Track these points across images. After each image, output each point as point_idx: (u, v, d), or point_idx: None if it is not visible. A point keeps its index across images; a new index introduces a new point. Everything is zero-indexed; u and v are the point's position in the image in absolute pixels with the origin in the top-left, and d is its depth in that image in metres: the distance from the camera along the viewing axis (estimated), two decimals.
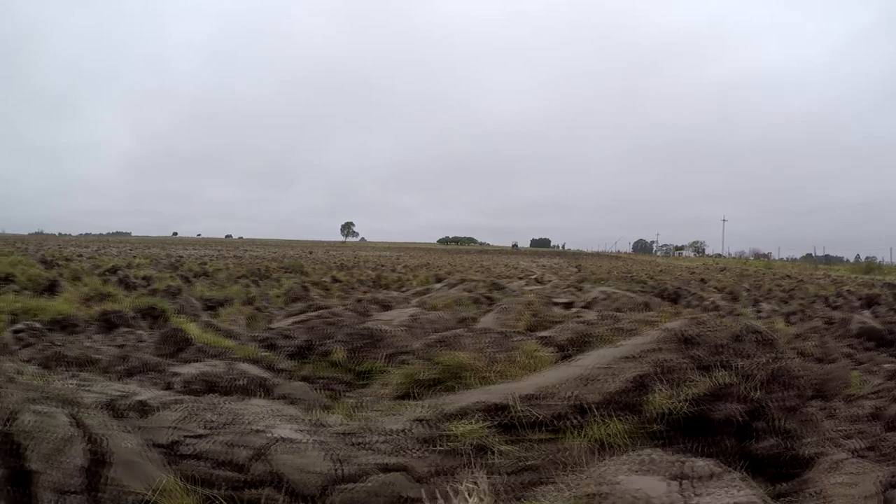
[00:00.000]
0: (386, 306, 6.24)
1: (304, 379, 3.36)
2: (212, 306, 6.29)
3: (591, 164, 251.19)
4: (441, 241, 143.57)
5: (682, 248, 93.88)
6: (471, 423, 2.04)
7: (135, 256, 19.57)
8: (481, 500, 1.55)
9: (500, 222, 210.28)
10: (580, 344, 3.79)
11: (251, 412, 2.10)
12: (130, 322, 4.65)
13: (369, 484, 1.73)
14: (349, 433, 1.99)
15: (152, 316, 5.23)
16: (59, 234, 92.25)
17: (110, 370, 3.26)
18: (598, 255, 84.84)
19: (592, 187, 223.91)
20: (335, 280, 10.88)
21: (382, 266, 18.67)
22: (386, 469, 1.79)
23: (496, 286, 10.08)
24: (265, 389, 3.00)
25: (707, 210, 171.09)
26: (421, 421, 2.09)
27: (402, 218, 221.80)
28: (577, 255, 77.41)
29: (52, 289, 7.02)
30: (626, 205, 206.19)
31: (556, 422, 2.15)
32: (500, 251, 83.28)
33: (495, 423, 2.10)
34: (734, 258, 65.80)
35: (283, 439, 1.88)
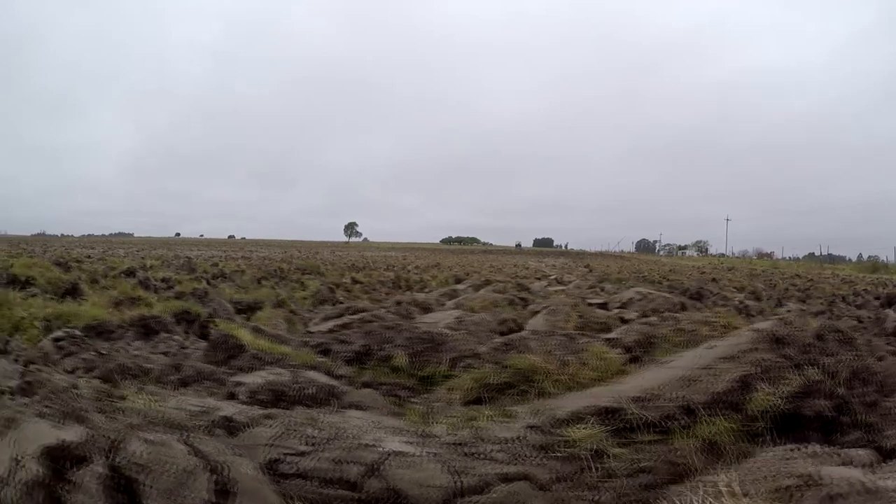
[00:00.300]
0: (426, 308, 6.15)
1: (365, 385, 3.26)
2: (242, 309, 6.19)
3: (592, 164, 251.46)
4: (444, 241, 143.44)
5: (685, 247, 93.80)
6: (586, 428, 1.99)
7: (143, 258, 19.48)
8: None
9: (502, 222, 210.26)
10: (646, 345, 3.77)
11: (352, 425, 2.01)
12: (169, 327, 4.55)
13: (494, 495, 1.65)
14: (460, 443, 1.92)
15: (186, 321, 5.14)
16: (62, 234, 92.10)
17: (164, 380, 3.16)
18: (601, 254, 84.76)
19: (594, 187, 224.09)
20: (355, 281, 10.79)
21: (392, 266, 18.58)
22: (507, 479, 1.72)
23: (521, 286, 9.98)
24: (334, 397, 2.91)
25: (709, 210, 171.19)
26: (533, 427, 2.03)
27: (404, 218, 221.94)
28: (580, 254, 77.27)
29: (73, 292, 6.92)
30: (627, 204, 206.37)
31: (664, 423, 2.11)
32: (504, 251, 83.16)
33: (608, 426, 2.05)
34: (738, 258, 65.68)
35: (396, 453, 1.79)
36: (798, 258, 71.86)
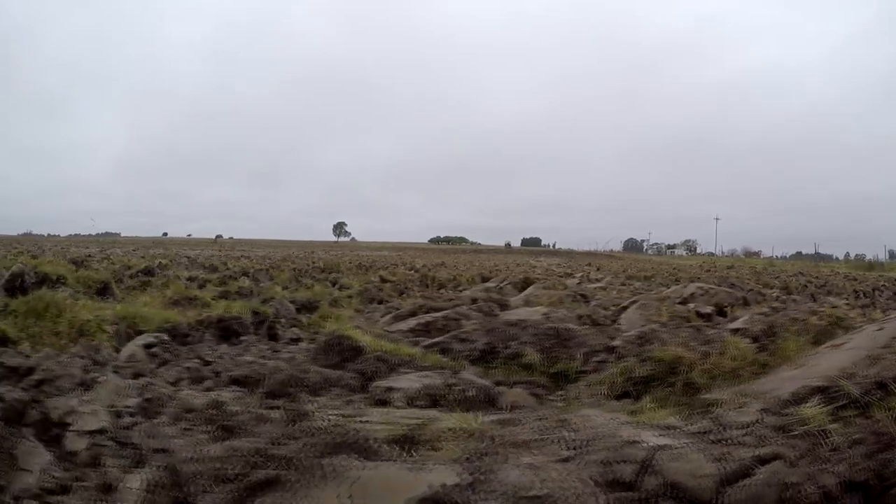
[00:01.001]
0: (503, 305, 5.92)
1: (498, 384, 3.04)
2: (299, 309, 5.89)
3: (582, 165, 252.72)
4: (432, 241, 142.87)
5: (673, 246, 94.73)
6: (812, 407, 1.98)
7: (142, 257, 18.90)
8: None
9: (489, 222, 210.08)
10: (771, 335, 3.87)
11: (598, 423, 1.82)
12: (249, 329, 4.23)
13: (760, 476, 1.61)
14: (703, 432, 1.87)
15: (254, 322, 4.83)
16: (49, 234, 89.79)
17: (293, 389, 2.85)
18: (590, 254, 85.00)
19: (586, 187, 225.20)
20: (384, 280, 10.51)
21: (402, 265, 18.25)
22: (762, 461, 1.66)
23: (560, 285, 9.81)
24: (490, 399, 2.68)
25: (696, 209, 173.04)
26: (765, 410, 2.02)
27: (392, 218, 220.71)
28: (571, 254, 77.43)
29: (104, 291, 6.56)
30: (616, 204, 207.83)
31: (863, 398, 2.12)
32: (496, 250, 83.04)
33: (825, 404, 2.03)
34: (727, 256, 66.43)
35: (662, 447, 1.67)
36: (785, 257, 73.03)
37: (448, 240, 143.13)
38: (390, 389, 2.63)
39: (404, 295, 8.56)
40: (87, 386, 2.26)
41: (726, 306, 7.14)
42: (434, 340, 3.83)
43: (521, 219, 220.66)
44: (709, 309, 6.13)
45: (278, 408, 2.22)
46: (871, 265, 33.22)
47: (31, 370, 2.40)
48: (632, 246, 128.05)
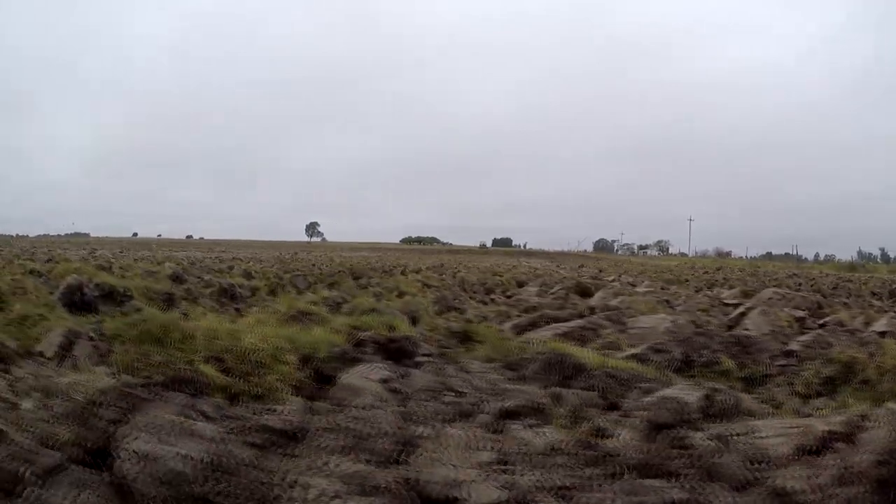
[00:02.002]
0: (618, 313, 5.66)
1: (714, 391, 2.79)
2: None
3: (554, 165, 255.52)
4: (404, 241, 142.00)
5: (646, 247, 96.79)
6: None
7: (136, 259, 17.79)
8: None
9: (459, 222, 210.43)
10: None
11: None
12: (420, 349, 3.70)
13: None
14: None
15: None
16: (17, 235, 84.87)
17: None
18: (563, 254, 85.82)
19: (555, 188, 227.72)
20: (427, 285, 10.02)
21: (406, 268, 17.72)
22: None
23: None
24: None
25: (665, 210, 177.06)
26: None
27: (361, 218, 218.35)
28: (546, 254, 77.98)
29: (169, 304, 5.90)
30: (587, 205, 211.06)
31: None
32: (471, 251, 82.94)
33: None
34: (701, 257, 68.18)
35: None
36: (755, 257, 75.47)
37: (419, 240, 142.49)
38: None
39: (477, 302, 8.14)
40: (410, 444, 1.75)
41: (805, 310, 7.40)
42: (633, 352, 3.65)
43: (490, 219, 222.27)
44: (802, 313, 6.46)
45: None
46: (854, 266, 34.46)
47: (301, 433, 1.86)
48: (602, 246, 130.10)
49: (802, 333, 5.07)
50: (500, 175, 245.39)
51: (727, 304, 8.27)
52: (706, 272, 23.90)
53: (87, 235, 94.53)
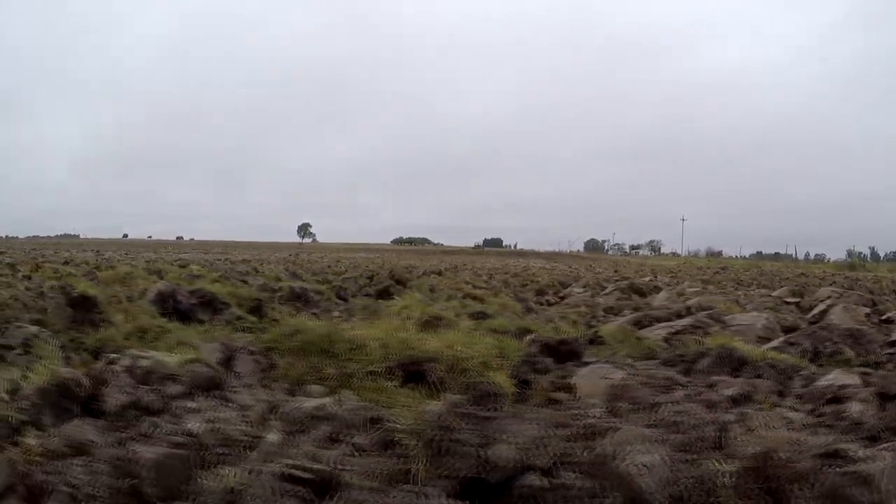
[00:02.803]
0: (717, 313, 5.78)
1: None
2: None
3: (544, 165, 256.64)
4: (395, 242, 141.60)
5: (638, 246, 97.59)
6: None
7: (148, 260, 17.45)
8: None
9: (449, 222, 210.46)
10: None
11: None
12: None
13: None
14: None
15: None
16: (7, 237, 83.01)
17: None
18: (557, 254, 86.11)
19: (545, 188, 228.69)
20: (475, 287, 9.95)
21: (417, 268, 17.61)
22: None
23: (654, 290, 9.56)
24: None
25: (654, 210, 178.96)
26: None
27: (351, 218, 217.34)
28: (541, 255, 78.20)
29: (258, 311, 5.74)
30: (576, 206, 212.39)
31: None
32: (465, 252, 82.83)
33: None
34: (693, 256, 68.91)
35: None
36: (745, 257, 76.50)
37: (411, 241, 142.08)
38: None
39: (537, 304, 8.09)
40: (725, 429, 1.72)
41: (866, 306, 7.66)
42: (772, 346, 3.99)
43: (480, 219, 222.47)
44: (866, 310, 6.74)
45: None
46: (854, 265, 35.02)
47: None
48: (593, 246, 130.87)
49: (886, 325, 5.66)
50: (490, 175, 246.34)
51: (788, 303, 8.44)
52: (716, 272, 24.08)
53: (77, 237, 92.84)
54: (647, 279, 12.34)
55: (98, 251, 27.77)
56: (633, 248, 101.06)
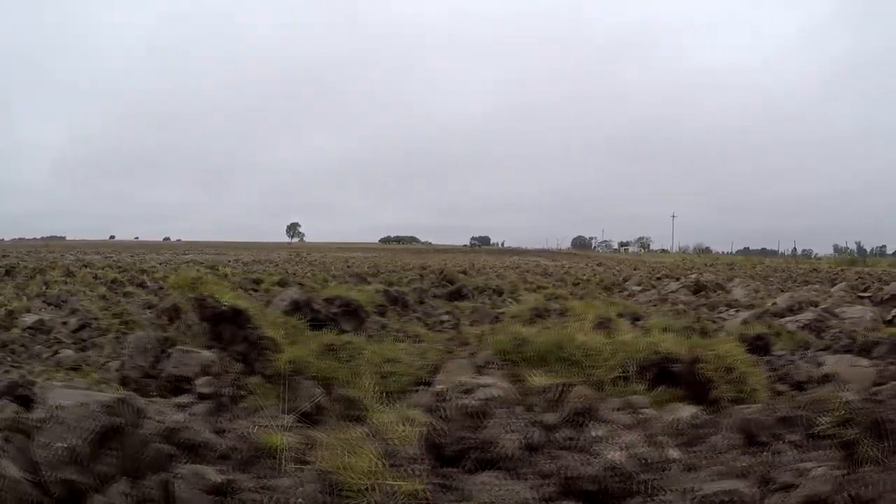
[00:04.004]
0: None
1: None
2: None
3: (531, 163, 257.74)
4: (383, 241, 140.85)
5: (627, 243, 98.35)
6: None
7: (161, 262, 16.85)
8: None
9: (435, 221, 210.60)
10: None
11: None
12: None
13: None
14: None
15: None
16: None
17: None
18: (549, 252, 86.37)
19: (535, 186, 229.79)
20: (541, 287, 9.75)
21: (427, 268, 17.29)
22: None
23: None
24: None
25: (640, 208, 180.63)
26: None
27: (338, 218, 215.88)
28: (540, 253, 78.34)
29: (383, 316, 5.44)
30: (563, 203, 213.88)
31: None
32: (459, 250, 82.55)
33: None
34: (683, 253, 69.65)
35: None
36: (732, 253, 77.56)
37: (399, 239, 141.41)
38: None
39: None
40: None
41: None
42: None
43: (466, 218, 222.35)
44: None
45: None
46: (854, 260, 35.58)
47: None
48: (580, 244, 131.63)
49: None
50: (475, 174, 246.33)
51: (862, 297, 8.60)
52: (731, 269, 24.22)
53: (63, 238, 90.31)
54: (693, 276, 12.24)
55: (106, 254, 26.85)
56: (622, 244, 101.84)
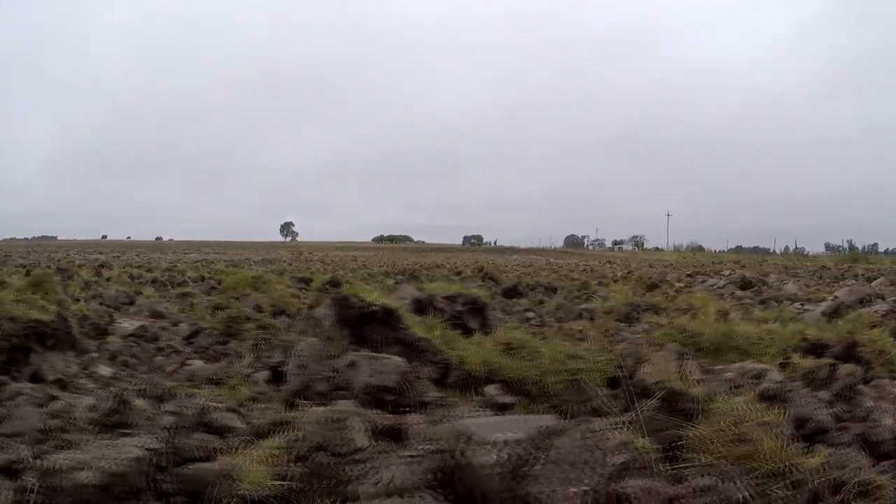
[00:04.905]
0: None
1: None
2: None
3: (529, 162, 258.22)
4: (376, 240, 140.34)
5: (621, 242, 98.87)
6: None
7: (166, 263, 16.50)
8: None
9: (428, 220, 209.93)
10: None
11: None
12: None
13: None
14: None
15: None
16: None
17: None
18: (546, 251, 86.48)
19: (529, 185, 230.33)
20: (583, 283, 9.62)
21: (449, 267, 17.16)
22: None
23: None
24: None
25: (631, 206, 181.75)
26: None
27: (331, 217, 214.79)
28: (538, 252, 78.47)
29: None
30: (559, 201, 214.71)
31: None
32: (459, 249, 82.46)
33: None
34: (677, 251, 70.16)
35: None
36: (723, 251, 78.35)
37: (392, 238, 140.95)
38: None
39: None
40: None
41: None
42: None
43: (458, 217, 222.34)
44: None
45: None
46: (856, 258, 35.99)
47: None
48: (573, 242, 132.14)
49: None
50: (467, 173, 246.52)
51: None
52: (743, 267, 24.35)
53: (54, 238, 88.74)
54: (726, 273, 12.22)
55: (110, 254, 26.34)
56: (616, 243, 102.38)
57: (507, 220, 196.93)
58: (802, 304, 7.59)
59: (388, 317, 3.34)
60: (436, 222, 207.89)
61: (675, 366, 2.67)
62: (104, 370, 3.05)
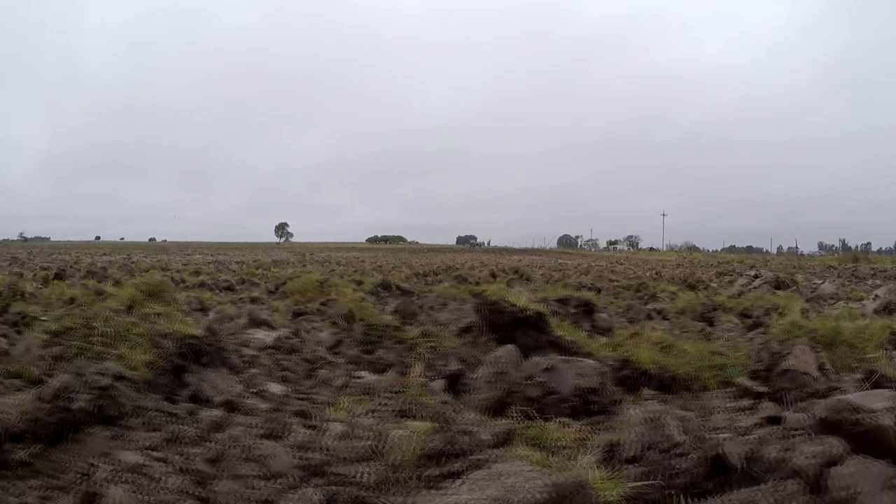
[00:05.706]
0: None
1: None
2: None
3: (521, 162, 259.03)
4: (370, 240, 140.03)
5: (615, 242, 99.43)
6: None
7: (186, 264, 16.51)
8: None
9: (420, 220, 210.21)
10: None
11: None
12: None
13: None
14: None
15: None
16: None
17: None
18: (543, 251, 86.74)
19: (521, 184, 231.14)
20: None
21: (459, 268, 17.34)
22: None
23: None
24: None
25: (624, 206, 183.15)
26: None
27: (328, 217, 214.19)
28: (536, 252, 78.70)
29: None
30: (553, 201, 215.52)
31: None
32: (455, 250, 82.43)
33: None
34: (673, 251, 70.81)
35: None
36: (717, 251, 79.17)
37: (386, 239, 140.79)
38: None
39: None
40: None
41: None
42: None
43: (450, 217, 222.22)
44: None
45: None
46: (857, 257, 36.56)
47: None
48: (566, 242, 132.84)
49: None
50: (459, 173, 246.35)
51: None
52: (752, 267, 24.70)
53: (47, 239, 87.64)
54: (752, 273, 12.51)
55: (128, 257, 26.15)
56: (610, 243, 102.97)
57: (499, 220, 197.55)
58: (846, 303, 7.85)
59: (539, 320, 3.50)
60: (427, 222, 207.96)
61: (812, 358, 2.87)
62: (275, 388, 2.80)
